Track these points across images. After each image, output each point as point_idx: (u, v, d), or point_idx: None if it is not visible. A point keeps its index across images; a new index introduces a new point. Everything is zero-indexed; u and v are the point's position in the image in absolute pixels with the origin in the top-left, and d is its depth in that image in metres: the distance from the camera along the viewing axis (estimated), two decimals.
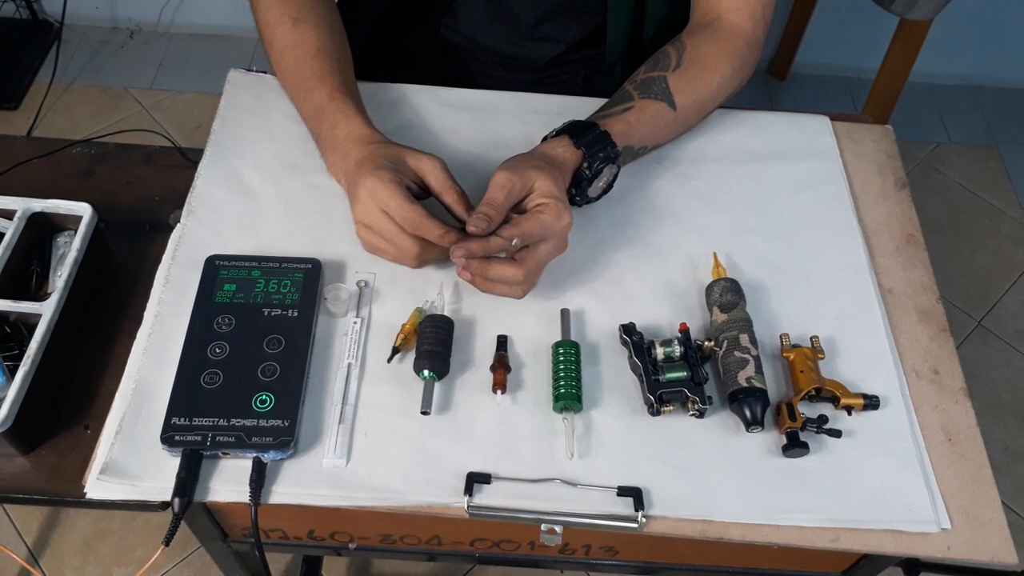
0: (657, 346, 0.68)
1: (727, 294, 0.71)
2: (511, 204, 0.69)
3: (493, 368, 0.69)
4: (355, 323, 0.71)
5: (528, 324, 0.72)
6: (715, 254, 0.76)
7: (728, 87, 0.84)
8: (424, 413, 0.65)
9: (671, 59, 0.81)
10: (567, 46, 0.96)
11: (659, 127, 0.80)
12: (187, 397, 0.64)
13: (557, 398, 0.66)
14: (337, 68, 0.78)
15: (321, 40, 0.79)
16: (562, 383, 0.67)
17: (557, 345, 0.69)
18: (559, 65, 0.99)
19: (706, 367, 0.69)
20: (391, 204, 0.68)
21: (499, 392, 0.67)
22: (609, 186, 0.78)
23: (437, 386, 0.67)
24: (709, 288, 0.73)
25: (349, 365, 0.69)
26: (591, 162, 0.74)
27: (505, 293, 0.72)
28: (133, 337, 0.70)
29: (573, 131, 0.75)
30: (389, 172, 0.68)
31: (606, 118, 0.77)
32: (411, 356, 0.69)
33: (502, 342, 0.71)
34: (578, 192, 0.76)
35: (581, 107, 0.89)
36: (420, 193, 0.72)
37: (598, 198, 0.79)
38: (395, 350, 0.69)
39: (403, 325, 0.70)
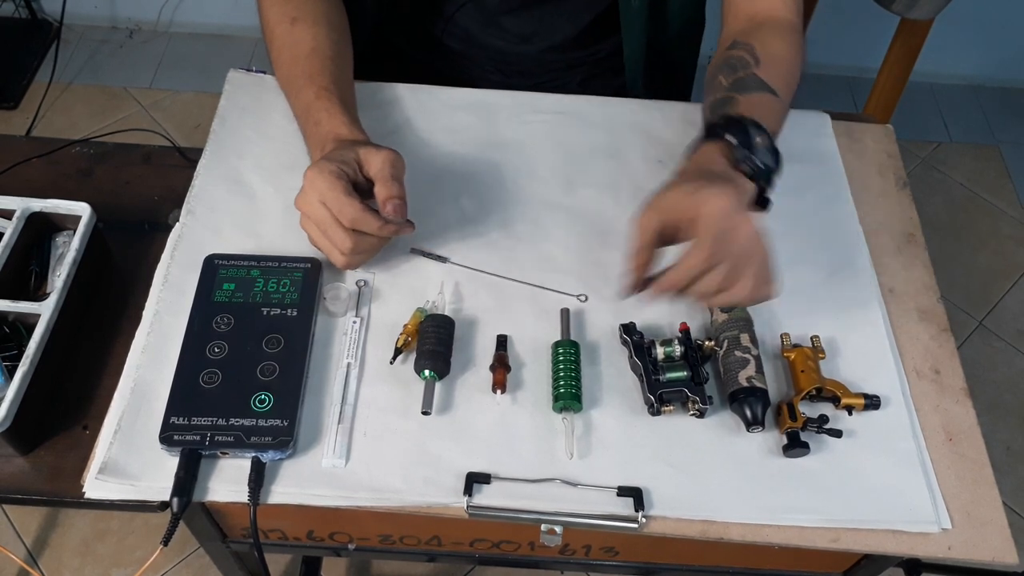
0: (657, 346, 0.68)
1: None
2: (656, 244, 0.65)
3: (493, 368, 0.68)
4: (354, 323, 0.71)
5: (528, 324, 0.72)
6: None
7: (799, 77, 0.82)
8: (425, 413, 0.65)
9: (747, 59, 0.78)
10: (560, 40, 0.96)
11: (769, 113, 0.75)
12: (186, 396, 0.64)
13: (557, 398, 0.66)
14: (329, 67, 0.78)
15: (316, 39, 0.79)
16: (562, 383, 0.66)
17: (557, 345, 0.69)
18: (556, 69, 0.99)
19: (706, 367, 0.69)
20: (328, 196, 0.66)
21: (499, 392, 0.67)
22: (773, 150, 0.70)
23: (437, 386, 0.67)
24: None
25: (348, 365, 0.69)
26: (737, 137, 0.68)
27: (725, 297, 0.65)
28: (132, 337, 0.70)
29: (707, 134, 0.71)
30: (332, 164, 0.67)
31: (721, 110, 0.72)
32: (410, 356, 0.69)
33: (502, 342, 0.71)
34: (752, 169, 0.68)
35: (581, 106, 0.89)
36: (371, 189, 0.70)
37: (775, 166, 0.70)
38: (398, 351, 0.69)
39: (405, 325, 0.70)
